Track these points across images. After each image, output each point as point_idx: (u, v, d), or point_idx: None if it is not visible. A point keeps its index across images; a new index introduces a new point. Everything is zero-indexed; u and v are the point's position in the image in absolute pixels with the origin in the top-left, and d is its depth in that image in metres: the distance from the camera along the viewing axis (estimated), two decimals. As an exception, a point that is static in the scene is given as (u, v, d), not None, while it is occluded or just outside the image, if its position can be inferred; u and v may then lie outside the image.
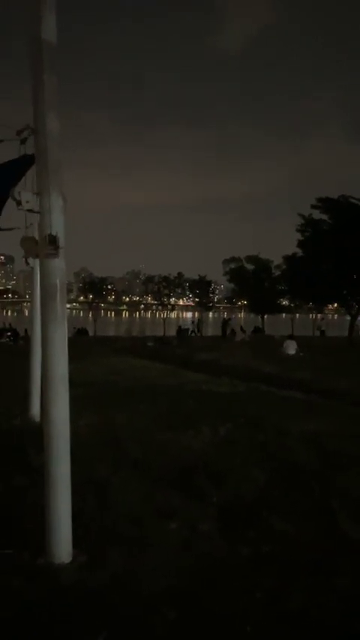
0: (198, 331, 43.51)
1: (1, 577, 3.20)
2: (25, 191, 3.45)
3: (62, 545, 3.44)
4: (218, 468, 5.28)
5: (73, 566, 3.36)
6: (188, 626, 2.75)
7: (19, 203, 3.40)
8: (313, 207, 34.56)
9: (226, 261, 57.74)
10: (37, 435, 3.64)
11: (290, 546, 3.66)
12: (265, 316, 56.34)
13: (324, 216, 34.84)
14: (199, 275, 66.68)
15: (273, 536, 3.82)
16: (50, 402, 3.46)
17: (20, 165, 3.64)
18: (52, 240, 3.37)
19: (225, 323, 41.49)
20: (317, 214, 35.00)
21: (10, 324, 38.45)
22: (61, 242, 3.42)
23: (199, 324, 44.33)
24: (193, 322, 48.60)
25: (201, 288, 67.17)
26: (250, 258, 55.98)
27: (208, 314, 71.50)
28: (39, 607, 2.91)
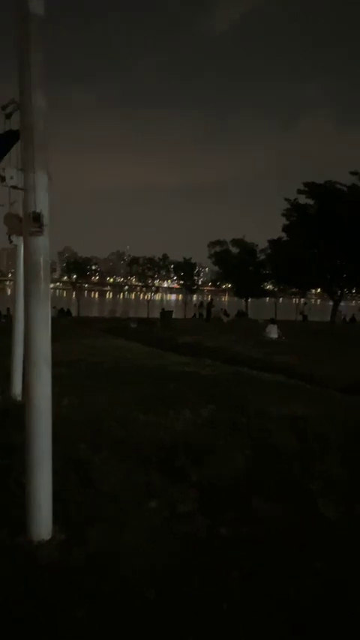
0: (208, 314, 39.90)
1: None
2: (9, 167, 3.40)
3: (42, 523, 3.45)
4: (199, 449, 5.33)
5: (52, 544, 3.39)
6: (166, 605, 2.79)
7: (2, 179, 3.35)
8: (300, 192, 34.67)
9: (211, 244, 57.58)
10: (19, 414, 3.63)
11: (269, 527, 3.72)
12: (249, 300, 56.55)
13: (310, 201, 34.93)
14: (184, 257, 66.35)
15: (252, 517, 3.88)
16: (32, 382, 3.45)
17: (5, 141, 3.58)
18: (37, 218, 3.33)
19: (209, 305, 41.57)
20: (303, 199, 35.10)
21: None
22: (46, 220, 3.38)
23: (209, 306, 41.46)
24: (201, 304, 45.87)
25: (186, 270, 66.88)
26: (236, 242, 55.97)
27: (192, 296, 71.45)
28: (16, 584, 2.93)
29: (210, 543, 3.49)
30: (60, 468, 3.67)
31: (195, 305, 44.16)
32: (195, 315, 39.08)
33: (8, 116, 3.48)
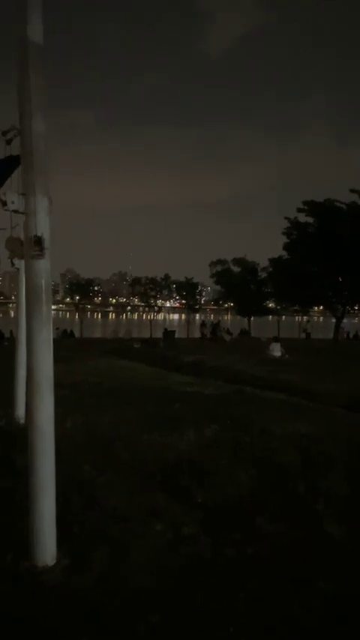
0: (212, 333, 39.48)
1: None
2: (10, 192, 3.44)
3: (46, 547, 3.42)
4: (204, 468, 5.29)
5: (57, 568, 3.35)
6: (172, 627, 2.75)
7: (4, 204, 3.39)
8: (300, 210, 34.80)
9: (212, 264, 57.79)
10: (23, 437, 3.62)
11: (274, 547, 3.68)
12: (252, 318, 56.52)
13: (310, 219, 35.09)
14: (185, 277, 66.66)
15: (258, 537, 3.84)
16: (35, 404, 3.44)
17: (6, 166, 3.63)
18: (38, 241, 3.36)
19: (215, 326, 41.61)
20: (303, 217, 35.27)
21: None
22: (47, 243, 3.41)
23: (216, 327, 41.19)
24: (209, 323, 45.58)
25: (188, 290, 67.16)
26: (237, 261, 56.16)
27: (194, 316, 71.50)
28: (21, 610, 2.90)
29: (215, 563, 3.44)
30: (64, 490, 3.65)
31: (202, 324, 44.19)
32: (203, 334, 39.30)
33: (9, 142, 3.54)
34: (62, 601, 2.98)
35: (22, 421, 7.13)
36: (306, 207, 34.53)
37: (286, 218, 35.98)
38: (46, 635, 2.68)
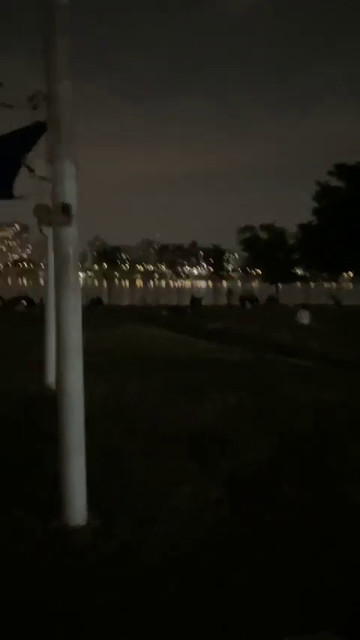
0: (256, 301, 41.88)
1: (17, 537, 3.30)
2: (37, 158, 3.43)
3: (77, 508, 3.51)
4: (228, 436, 5.34)
5: (88, 529, 3.45)
6: (192, 591, 2.82)
7: (31, 170, 3.39)
8: (330, 173, 34.00)
9: (240, 230, 57.21)
10: (53, 403, 3.69)
11: (296, 514, 3.72)
12: (280, 286, 56.06)
13: (341, 184, 34.27)
14: (213, 244, 66.44)
15: (279, 503, 3.87)
16: (64, 371, 3.50)
17: (32, 133, 3.62)
18: (65, 209, 3.36)
19: (242, 296, 41.50)
20: (334, 181, 34.45)
21: (25, 293, 38.72)
22: (74, 210, 3.40)
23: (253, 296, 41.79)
24: (230, 291, 46.17)
25: (215, 257, 66.91)
26: (265, 227, 55.52)
27: (222, 283, 71.22)
28: (52, 567, 3.00)
29: (238, 529, 3.50)
30: (92, 457, 3.73)
31: (229, 291, 44.23)
32: (230, 301, 39.62)
33: (34, 107, 3.51)
34: (93, 560, 3.08)
35: (53, 387, 7.26)
36: (337, 171, 33.69)
37: (316, 182, 35.22)
38: (76, 592, 2.78)
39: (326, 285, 60.99)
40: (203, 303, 41.05)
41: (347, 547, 3.29)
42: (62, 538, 3.32)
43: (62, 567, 3.00)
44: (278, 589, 2.82)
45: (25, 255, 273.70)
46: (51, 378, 7.57)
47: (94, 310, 29.42)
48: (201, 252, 66.70)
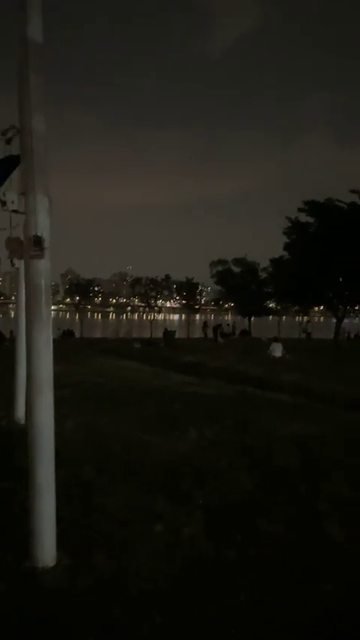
0: (232, 333, 45.24)
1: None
2: (10, 191, 3.42)
3: (46, 548, 3.41)
4: (204, 470, 5.27)
5: (58, 569, 3.33)
6: (174, 629, 2.73)
7: (4, 204, 3.37)
8: (300, 210, 34.76)
9: (213, 264, 57.73)
10: (23, 438, 3.60)
11: (275, 549, 3.66)
12: (252, 318, 56.50)
13: (310, 219, 35.05)
14: (186, 277, 66.71)
15: (259, 539, 3.82)
16: (34, 405, 3.43)
17: (5, 166, 3.62)
18: (38, 241, 3.34)
19: (216, 327, 41.68)
20: (304, 217, 35.22)
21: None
22: (47, 243, 3.39)
23: (217, 328, 43.52)
24: (227, 324, 49.69)
25: (188, 290, 67.22)
26: (237, 261, 56.12)
27: (195, 316, 71.52)
28: (21, 609, 2.88)
29: (216, 566, 3.42)
30: (64, 492, 3.63)
31: (205, 324, 46.48)
32: (205, 334, 40.82)
33: (8, 141, 3.52)
34: (63, 600, 2.97)
35: (23, 422, 7.11)
36: (307, 207, 34.48)
37: (286, 218, 35.92)
38: (46, 635, 2.66)
39: (298, 318, 61.67)
40: (176, 335, 41.07)
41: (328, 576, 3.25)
42: (32, 579, 3.20)
43: (29, 611, 2.88)
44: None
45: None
46: (20, 412, 7.42)
47: (66, 343, 29.13)
48: (174, 286, 67.22)
